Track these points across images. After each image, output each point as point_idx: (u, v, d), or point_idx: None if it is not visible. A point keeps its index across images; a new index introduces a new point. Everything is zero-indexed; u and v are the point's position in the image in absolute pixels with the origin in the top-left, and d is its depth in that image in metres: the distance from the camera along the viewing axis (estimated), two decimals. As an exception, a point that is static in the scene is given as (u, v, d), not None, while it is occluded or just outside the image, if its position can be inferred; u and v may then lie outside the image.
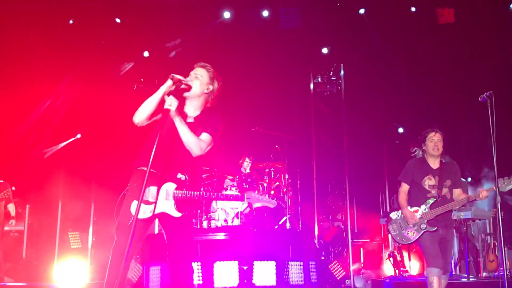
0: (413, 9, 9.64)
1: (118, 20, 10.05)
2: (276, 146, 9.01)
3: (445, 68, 9.59)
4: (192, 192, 4.03)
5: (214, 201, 8.35)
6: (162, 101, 4.03)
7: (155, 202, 3.92)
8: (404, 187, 5.74)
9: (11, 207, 8.24)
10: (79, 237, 9.49)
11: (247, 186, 8.59)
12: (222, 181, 8.98)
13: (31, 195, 9.00)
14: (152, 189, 4.02)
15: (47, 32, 9.47)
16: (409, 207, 5.58)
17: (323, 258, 8.95)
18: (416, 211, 5.52)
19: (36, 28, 9.34)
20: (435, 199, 5.50)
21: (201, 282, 7.01)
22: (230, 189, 8.52)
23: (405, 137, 9.83)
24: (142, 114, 4.11)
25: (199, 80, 4.24)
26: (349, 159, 9.71)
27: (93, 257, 9.01)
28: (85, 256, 9.01)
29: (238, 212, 8.09)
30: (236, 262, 7.05)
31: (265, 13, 9.99)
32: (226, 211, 8.19)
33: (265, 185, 8.48)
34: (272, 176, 8.84)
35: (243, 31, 10.14)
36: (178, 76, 4.07)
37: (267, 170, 8.80)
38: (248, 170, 9.01)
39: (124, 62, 10.09)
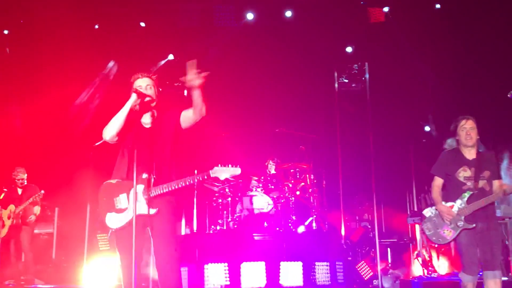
0: (437, 6, 9.52)
1: (143, 24, 10.14)
2: (301, 146, 8.99)
3: (471, 65, 9.44)
4: (161, 186, 4.18)
5: (239, 203, 8.38)
6: (129, 117, 4.33)
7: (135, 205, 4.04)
8: (438, 181, 5.30)
9: (37, 209, 8.40)
10: (108, 239, 9.59)
11: (273, 186, 8.58)
12: (247, 182, 8.99)
13: (60, 198, 9.14)
14: (122, 197, 4.30)
15: (74, 36, 9.62)
16: (443, 202, 5.15)
17: (350, 258, 8.89)
18: (452, 207, 5.10)
19: (64, 33, 9.50)
20: (471, 192, 5.06)
21: (228, 283, 7.04)
22: (256, 190, 8.53)
23: (432, 136, 9.71)
24: (111, 131, 4.39)
25: (152, 89, 4.53)
26: (376, 158, 9.60)
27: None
28: (114, 258, 9.10)
29: (263, 213, 8.10)
30: (263, 263, 7.06)
31: (288, 13, 9.96)
32: (251, 212, 8.20)
33: (291, 185, 8.46)
34: (298, 176, 8.82)
35: (266, 31, 10.13)
36: (142, 90, 4.38)
37: (292, 170, 8.79)
38: (273, 171, 9.01)
39: (152, 65, 10.18)
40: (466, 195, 5.09)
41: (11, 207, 8.33)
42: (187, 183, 4.21)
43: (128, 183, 4.25)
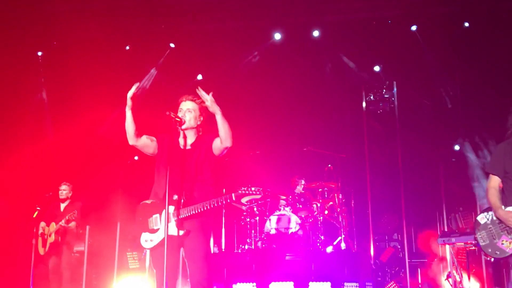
0: (466, 24, 9.47)
1: (172, 45, 10.32)
2: (329, 165, 8.99)
3: (501, 83, 9.32)
4: (189, 208, 4.28)
5: (268, 222, 8.40)
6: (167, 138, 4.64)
7: (166, 226, 4.15)
8: (494, 181, 4.38)
9: (72, 224, 8.53)
10: (138, 257, 9.69)
11: (301, 206, 8.59)
12: (275, 202, 9.01)
13: (91, 216, 9.27)
14: (154, 217, 4.44)
15: (105, 57, 9.84)
16: (503, 207, 4.23)
17: (379, 278, 8.81)
18: None
19: (95, 54, 9.73)
20: None
21: (257, 302, 7.05)
22: (284, 209, 8.54)
23: (462, 155, 9.60)
24: (127, 133, 4.72)
25: (192, 114, 4.63)
26: (404, 178, 9.56)
27: (150, 277, 9.17)
28: (143, 276, 9.18)
29: (292, 232, 8.10)
30: (292, 283, 7.05)
31: (316, 33, 10.03)
32: (279, 231, 8.21)
33: (319, 205, 8.46)
34: (326, 196, 8.82)
35: (294, 51, 10.20)
36: (178, 114, 4.54)
37: (320, 190, 8.78)
38: (301, 190, 9.03)
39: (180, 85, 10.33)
40: None
41: (52, 224, 8.48)
42: (213, 205, 4.28)
43: (161, 204, 4.35)
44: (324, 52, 10.12)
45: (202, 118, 4.73)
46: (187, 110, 4.62)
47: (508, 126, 4.58)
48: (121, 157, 9.94)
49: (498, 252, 4.36)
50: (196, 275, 4.32)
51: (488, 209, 4.43)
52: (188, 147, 4.61)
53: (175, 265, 4.43)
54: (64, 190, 8.70)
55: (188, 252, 4.37)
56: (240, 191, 4.23)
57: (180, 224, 4.27)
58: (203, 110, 4.70)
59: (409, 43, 9.76)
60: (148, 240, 4.46)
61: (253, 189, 4.23)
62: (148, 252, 4.55)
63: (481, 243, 4.44)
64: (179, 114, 4.56)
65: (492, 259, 4.70)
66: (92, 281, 9.51)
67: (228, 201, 4.27)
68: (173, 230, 4.29)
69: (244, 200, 4.26)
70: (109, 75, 9.81)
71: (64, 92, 10.24)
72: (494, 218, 4.36)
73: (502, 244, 4.31)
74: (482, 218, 4.50)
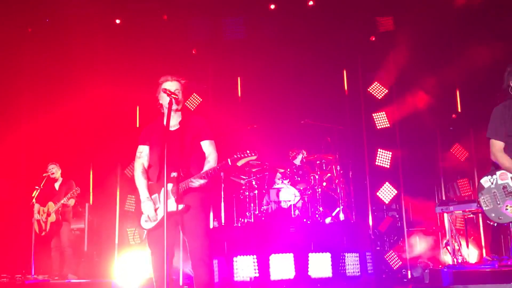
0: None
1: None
2: (327, 137, 8.98)
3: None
4: (187, 180, 4.31)
5: (266, 195, 8.43)
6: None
7: (165, 205, 4.14)
8: (498, 145, 4.30)
9: (71, 201, 8.57)
10: (138, 232, 9.75)
11: (299, 178, 8.60)
12: (273, 175, 9.03)
13: (90, 194, 9.32)
14: (154, 198, 4.48)
15: (98, 32, 9.76)
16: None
17: (378, 248, 8.89)
18: None
19: (88, 29, 9.65)
20: None
21: (257, 275, 7.10)
22: (282, 182, 8.56)
23: (460, 123, 9.59)
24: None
25: (180, 94, 4.60)
26: (402, 147, 9.58)
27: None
28: (144, 251, 9.25)
29: (291, 205, 8.13)
30: (292, 255, 7.10)
31: (311, 2, 9.91)
32: (278, 204, 8.24)
33: (317, 177, 8.47)
34: (324, 168, 8.82)
35: (290, 21, 10.10)
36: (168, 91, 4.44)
37: (318, 162, 8.77)
38: (299, 163, 9.04)
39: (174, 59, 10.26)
40: None
41: (50, 204, 8.52)
42: (210, 173, 4.31)
43: (159, 184, 4.39)
44: (320, 22, 10.01)
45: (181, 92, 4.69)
46: (176, 91, 4.56)
47: (504, 87, 4.44)
48: (118, 135, 9.93)
49: (501, 218, 4.25)
50: (197, 252, 4.37)
51: (492, 172, 4.27)
52: (177, 126, 4.60)
53: (172, 242, 4.47)
54: (52, 169, 8.73)
55: (187, 229, 4.40)
56: (235, 156, 4.24)
57: (179, 199, 4.29)
58: (184, 88, 4.70)
59: (406, 10, 9.65)
60: (148, 221, 4.48)
61: (248, 152, 4.24)
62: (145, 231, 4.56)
63: (484, 208, 4.30)
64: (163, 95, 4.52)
65: (495, 224, 4.62)
66: (94, 257, 9.59)
67: (226, 166, 4.26)
68: (173, 206, 4.32)
69: (240, 163, 4.25)
70: (103, 50, 9.74)
71: (59, 69, 10.17)
72: (499, 182, 4.23)
73: (506, 209, 4.21)
74: (485, 181, 4.33)
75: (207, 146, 4.56)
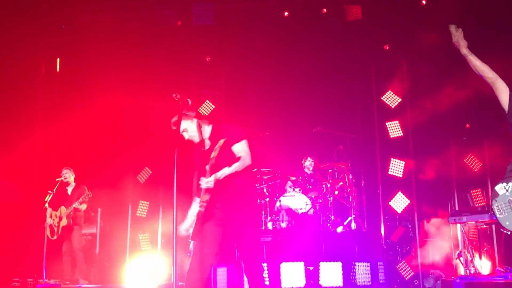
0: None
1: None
2: (340, 146, 8.96)
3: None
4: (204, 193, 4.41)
5: (278, 202, 8.42)
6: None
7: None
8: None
9: (83, 206, 8.63)
10: (149, 239, 9.79)
11: (310, 186, 8.59)
12: (284, 183, 9.02)
13: (103, 199, 9.36)
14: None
15: (115, 40, 9.85)
16: None
17: (390, 258, 8.83)
18: None
19: (105, 36, 9.74)
20: None
21: (268, 283, 7.08)
22: (294, 190, 8.55)
23: (474, 133, 9.51)
24: None
25: (187, 134, 4.66)
26: (415, 157, 9.52)
27: (163, 259, 9.26)
28: (155, 258, 9.27)
29: (302, 213, 8.12)
30: (302, 263, 7.08)
31: (324, 10, 9.90)
32: (290, 212, 8.22)
33: (329, 185, 8.45)
34: (336, 176, 8.80)
35: (304, 29, 10.11)
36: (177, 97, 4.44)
37: (330, 170, 8.77)
38: (310, 171, 9.02)
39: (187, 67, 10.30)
40: None
41: (62, 208, 8.58)
42: (209, 182, 4.33)
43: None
44: (333, 30, 10.00)
45: (196, 121, 4.68)
46: (184, 132, 4.64)
47: None
48: (131, 141, 9.98)
49: None
50: (244, 258, 4.54)
51: (507, 180, 4.06)
52: (209, 143, 4.69)
53: (209, 251, 4.50)
54: (66, 174, 8.81)
55: (237, 243, 4.76)
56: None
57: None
58: (190, 118, 4.67)
59: (418, 21, 9.62)
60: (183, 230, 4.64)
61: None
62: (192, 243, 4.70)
63: (498, 215, 4.07)
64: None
65: (509, 233, 4.30)
66: (105, 262, 9.62)
67: None
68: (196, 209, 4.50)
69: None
70: (117, 57, 9.81)
71: (73, 76, 10.27)
72: None
73: None
74: (500, 188, 4.09)
75: (236, 148, 4.54)
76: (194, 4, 9.59)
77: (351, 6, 9.49)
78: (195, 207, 4.55)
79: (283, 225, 8.17)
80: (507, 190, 4.03)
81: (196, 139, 4.66)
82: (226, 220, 4.47)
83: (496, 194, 4.09)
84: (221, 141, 4.39)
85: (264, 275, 7.09)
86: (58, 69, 10.57)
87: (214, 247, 4.50)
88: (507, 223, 4.02)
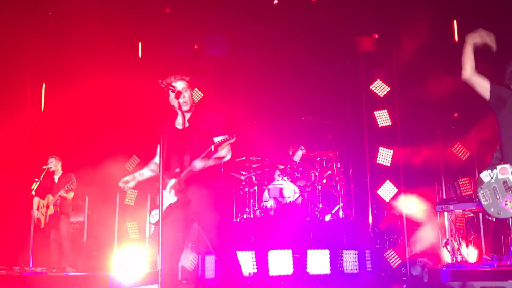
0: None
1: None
2: (328, 135, 8.97)
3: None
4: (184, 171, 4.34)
5: (266, 191, 8.42)
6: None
7: (161, 201, 4.19)
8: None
9: (70, 194, 8.60)
10: (137, 227, 9.77)
11: (299, 175, 8.60)
12: (273, 171, 9.02)
13: (90, 187, 9.32)
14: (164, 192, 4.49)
15: (101, 22, 9.74)
16: (509, 166, 3.99)
17: (378, 246, 8.87)
18: None
19: (90, 21, 9.63)
20: None
21: (255, 270, 7.10)
22: (282, 178, 8.55)
23: (461, 122, 9.55)
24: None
25: (188, 92, 4.59)
26: (403, 145, 9.55)
27: (151, 247, 9.25)
28: (143, 246, 9.26)
29: (290, 201, 8.13)
30: (290, 251, 7.09)
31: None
32: (278, 200, 8.23)
33: (317, 174, 8.46)
34: (324, 165, 8.81)
35: (293, 16, 10.08)
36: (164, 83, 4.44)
37: (318, 159, 8.77)
38: (299, 159, 9.03)
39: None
40: None
41: (49, 196, 8.54)
42: (203, 163, 4.25)
43: (163, 181, 4.35)
44: (322, 19, 9.98)
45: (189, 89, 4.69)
46: (183, 90, 4.54)
47: (506, 84, 4.37)
48: (120, 129, 9.93)
49: (500, 213, 4.12)
50: (215, 248, 4.44)
51: (492, 167, 4.18)
52: (186, 124, 4.63)
53: (181, 239, 4.48)
54: (51, 162, 8.76)
55: (202, 228, 4.48)
56: (216, 142, 4.22)
57: (181, 191, 4.38)
58: (191, 84, 4.68)
59: (407, 10, 9.62)
60: (154, 215, 4.53)
61: (227, 136, 4.23)
62: (152, 228, 4.63)
63: (483, 202, 4.19)
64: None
65: (494, 219, 4.57)
66: (93, 250, 9.60)
67: (210, 153, 4.24)
68: (172, 199, 4.40)
69: (221, 148, 4.24)
70: (105, 43, 9.72)
71: (61, 62, 10.18)
72: (499, 176, 4.12)
73: (506, 204, 4.07)
74: (485, 176, 4.22)
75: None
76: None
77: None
78: (167, 192, 4.44)
79: (271, 213, 8.18)
80: (492, 178, 4.12)
81: (186, 106, 4.55)
82: (196, 209, 4.42)
83: (481, 182, 4.20)
84: (219, 138, 4.30)
85: (250, 264, 7.10)
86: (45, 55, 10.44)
87: (183, 235, 4.50)
88: (492, 209, 4.11)
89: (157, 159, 4.79)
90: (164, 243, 4.25)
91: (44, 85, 10.53)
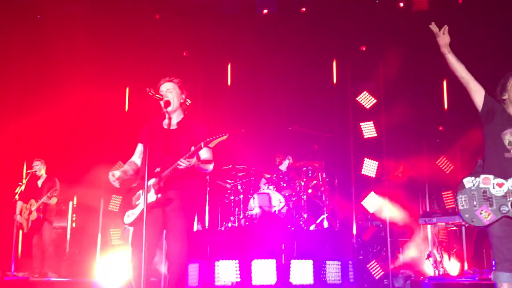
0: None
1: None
2: (314, 145, 9.01)
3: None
4: (166, 170, 4.34)
5: (251, 200, 8.42)
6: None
7: (146, 198, 4.19)
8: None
9: (53, 200, 8.53)
10: (121, 233, 9.71)
11: (285, 184, 8.61)
12: (259, 180, 9.02)
13: (74, 192, 9.26)
14: (137, 194, 4.58)
15: (88, 32, 9.73)
16: (492, 178, 4.03)
17: (361, 257, 8.90)
18: (501, 185, 4.00)
19: (79, 28, 9.61)
20: None
21: (239, 279, 7.08)
22: (268, 187, 8.56)
23: (446, 136, 9.64)
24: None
25: (173, 92, 4.64)
26: (388, 157, 9.61)
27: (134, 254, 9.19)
28: (126, 252, 9.20)
29: (275, 210, 8.13)
30: (274, 261, 7.09)
31: (303, 8, 9.96)
32: (263, 209, 8.23)
33: (303, 183, 8.48)
34: (310, 175, 8.83)
35: (281, 26, 10.13)
36: (152, 91, 4.46)
37: (304, 169, 8.79)
38: (284, 169, 9.06)
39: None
40: None
41: (32, 201, 8.46)
42: (187, 162, 4.24)
43: (143, 181, 4.35)
44: (311, 29, 10.05)
45: (184, 96, 4.77)
46: (167, 91, 4.63)
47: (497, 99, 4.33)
48: (104, 134, 9.88)
49: (474, 220, 4.08)
50: (174, 254, 4.39)
51: (475, 174, 4.16)
52: (174, 126, 4.65)
53: (154, 243, 4.45)
54: (36, 166, 8.68)
55: (168, 230, 4.44)
56: (207, 139, 4.22)
57: (160, 189, 4.38)
58: (183, 87, 4.75)
59: (395, 22, 9.73)
60: (129, 215, 4.51)
61: (219, 134, 4.23)
62: (131, 230, 4.57)
63: (460, 207, 4.15)
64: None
65: (467, 225, 4.57)
66: (75, 256, 9.52)
67: (200, 149, 4.27)
68: (152, 197, 4.38)
69: (212, 144, 4.23)
70: (91, 50, 9.69)
71: (45, 67, 10.13)
72: (481, 185, 4.08)
73: (481, 213, 4.05)
74: (468, 181, 4.17)
75: (206, 153, 4.58)
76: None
77: None
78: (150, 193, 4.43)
79: (256, 222, 8.18)
80: (474, 185, 4.10)
81: (169, 107, 4.56)
82: (170, 209, 4.42)
83: (463, 186, 4.15)
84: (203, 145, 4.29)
85: (233, 273, 7.09)
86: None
87: (159, 235, 4.51)
88: (467, 215, 4.08)
89: (134, 158, 4.84)
90: (138, 242, 4.31)
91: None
